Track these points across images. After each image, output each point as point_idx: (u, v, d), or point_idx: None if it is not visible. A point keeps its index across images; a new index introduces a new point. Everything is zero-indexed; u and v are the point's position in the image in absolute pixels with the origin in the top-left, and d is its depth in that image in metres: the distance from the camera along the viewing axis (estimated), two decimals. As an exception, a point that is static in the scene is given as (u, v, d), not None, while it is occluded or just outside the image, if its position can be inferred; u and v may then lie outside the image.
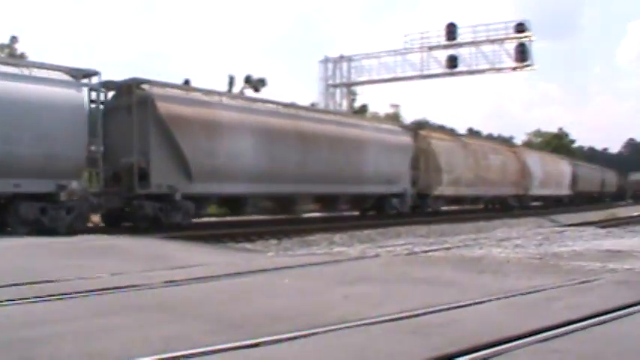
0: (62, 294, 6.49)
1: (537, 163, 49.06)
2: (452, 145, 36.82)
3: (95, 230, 17.39)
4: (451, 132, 48.40)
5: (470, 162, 37.64)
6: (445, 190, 34.43)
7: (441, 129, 48.42)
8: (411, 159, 32.11)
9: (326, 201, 28.56)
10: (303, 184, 24.76)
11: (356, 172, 27.60)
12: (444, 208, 37.42)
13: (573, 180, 59.20)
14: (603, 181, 77.68)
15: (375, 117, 35.38)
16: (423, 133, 34.92)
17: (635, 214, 44.79)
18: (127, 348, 4.39)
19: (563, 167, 58.34)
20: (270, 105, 25.48)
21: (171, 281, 7.40)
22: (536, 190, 47.84)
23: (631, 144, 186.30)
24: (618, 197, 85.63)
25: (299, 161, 24.52)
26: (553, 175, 52.79)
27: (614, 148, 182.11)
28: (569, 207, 52.01)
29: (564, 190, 56.51)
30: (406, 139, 32.31)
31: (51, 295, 6.41)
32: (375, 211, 30.78)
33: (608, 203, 69.65)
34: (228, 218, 25.90)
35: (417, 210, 32.56)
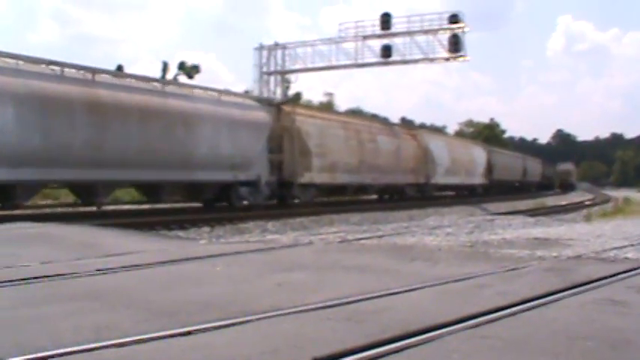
0: (-11, 282, 6.35)
1: (442, 148, 45.21)
2: (326, 124, 32.18)
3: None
4: (329, 109, 44.63)
5: (352, 145, 33.18)
6: (316, 177, 29.75)
7: (319, 108, 44.27)
8: (269, 139, 27.23)
9: (147, 190, 23.90)
10: (100, 169, 19.77)
11: (183, 154, 22.42)
12: (323, 198, 33.53)
13: (489, 168, 56.11)
14: (525, 170, 74.84)
15: (224, 90, 27.60)
16: (287, 109, 29.66)
17: (564, 202, 45.92)
18: (57, 337, 4.31)
19: (477, 154, 54.64)
20: (53, 68, 19.41)
21: (102, 269, 7.30)
22: (441, 179, 43.80)
23: (559, 135, 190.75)
24: (544, 187, 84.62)
25: (90, 140, 19.39)
26: (463, 162, 49.00)
27: (544, 138, 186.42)
28: (484, 197, 49.34)
29: (477, 179, 53.21)
30: (262, 114, 27.14)
31: (-22, 284, 6.27)
32: (225, 201, 26.18)
33: (530, 193, 67.89)
34: (156, 205, 25.46)
35: (285, 201, 28.87)
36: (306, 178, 28.96)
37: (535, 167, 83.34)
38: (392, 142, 37.86)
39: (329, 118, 34.18)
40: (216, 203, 26.05)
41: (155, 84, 23.63)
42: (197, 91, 25.25)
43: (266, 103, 29.71)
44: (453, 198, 45.56)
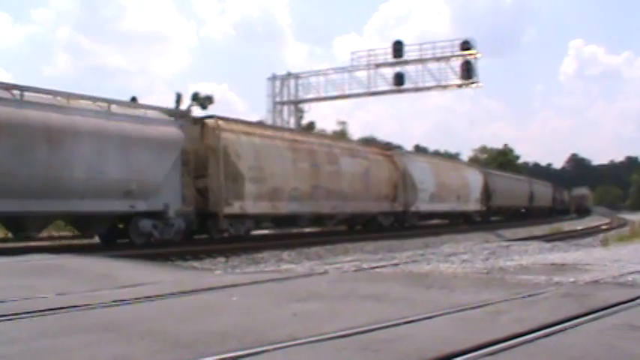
0: (7, 315, 6.35)
1: (426, 171, 39.77)
2: (266, 142, 26.41)
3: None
4: (272, 126, 36.21)
5: (303, 167, 27.74)
6: (250, 206, 24.48)
7: (259, 124, 34.14)
8: (192, 161, 22.34)
9: (10, 223, 19.60)
10: None
11: (47, 179, 17.67)
12: (263, 231, 29.54)
13: (486, 192, 50.65)
14: (532, 194, 68.81)
15: (117, 100, 21.38)
16: (210, 123, 24.02)
17: (580, 227, 45.65)
18: (73, 369, 4.31)
19: (471, 177, 48.61)
20: None
21: (118, 301, 7.31)
22: (424, 206, 38.50)
23: (574, 159, 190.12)
24: (557, 213, 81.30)
25: None
26: (453, 186, 43.39)
27: (558, 163, 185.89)
28: (481, 225, 45.23)
29: (472, 205, 47.42)
30: (171, 130, 21.67)
31: (-5, 317, 6.28)
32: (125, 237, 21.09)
33: (545, 219, 62.67)
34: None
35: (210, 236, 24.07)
36: (235, 207, 23.73)
37: (544, 192, 78.48)
38: (359, 165, 32.53)
39: (271, 135, 27.86)
40: (117, 239, 21.41)
41: (5, 91, 17.85)
42: (75, 102, 19.44)
43: (179, 115, 23.85)
44: (419, 228, 37.91)
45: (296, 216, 27.97)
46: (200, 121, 24.25)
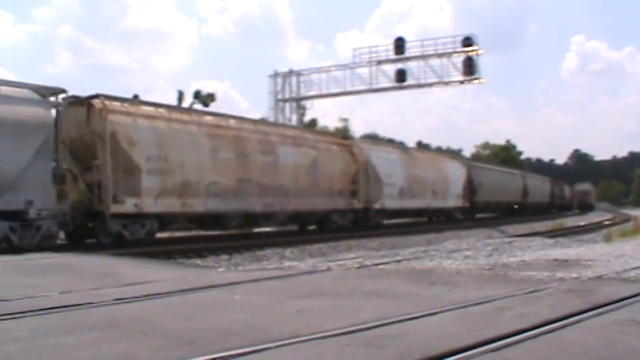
0: (11, 313, 6.36)
1: (394, 163, 35.47)
2: (174, 128, 22.05)
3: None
4: (186, 109, 29.42)
5: (226, 158, 23.55)
6: (148, 203, 20.28)
7: (167, 105, 25.38)
8: (50, 149, 17.82)
9: None
10: None
11: None
12: (166, 234, 24.31)
13: (470, 187, 46.06)
14: (526, 189, 63.57)
15: None
16: (96, 104, 19.61)
17: (582, 223, 45.63)
18: (76, 367, 4.32)
19: (452, 170, 43.82)
20: None
21: (121, 299, 7.31)
22: (392, 202, 34.23)
23: (577, 155, 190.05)
24: (556, 209, 78.85)
25: None
26: (427, 180, 38.93)
27: (561, 159, 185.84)
28: (461, 223, 40.54)
29: (452, 201, 42.93)
30: (35, 111, 17.60)
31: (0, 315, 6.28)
32: None
33: (532, 217, 56.61)
34: (179, 234, 25.61)
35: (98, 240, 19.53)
36: (127, 205, 19.60)
37: (541, 186, 73.40)
38: (304, 155, 28.05)
39: (183, 119, 23.17)
40: None
41: None
42: None
43: (52, 93, 18.70)
44: (386, 228, 33.56)
45: (218, 215, 23.72)
46: (86, 102, 19.67)
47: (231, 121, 25.65)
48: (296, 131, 31.41)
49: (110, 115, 19.37)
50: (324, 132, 39.42)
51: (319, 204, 28.70)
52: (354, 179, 31.26)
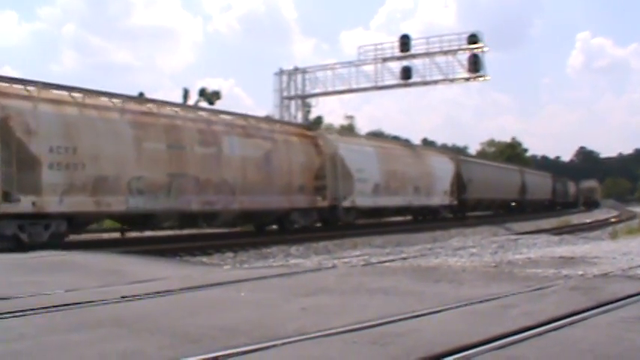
0: (16, 311, 6.38)
1: (368, 157, 32.63)
2: (85, 114, 19.26)
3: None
4: (106, 93, 21.52)
5: (154, 150, 20.68)
6: (52, 202, 17.71)
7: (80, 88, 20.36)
8: None
9: None
10: None
11: None
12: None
13: (459, 184, 43.37)
14: (524, 186, 60.55)
15: None
16: None
17: (588, 220, 45.54)
18: (83, 365, 4.33)
19: (437, 165, 40.92)
20: None
21: (127, 296, 7.32)
22: (365, 199, 31.29)
23: (582, 152, 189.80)
24: (562, 206, 77.06)
25: None
26: (408, 176, 36.13)
27: (567, 156, 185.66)
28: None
29: (437, 199, 39.90)
30: None
31: (5, 313, 6.29)
32: None
33: (531, 215, 54.67)
34: (179, 232, 25.60)
35: None
36: (23, 205, 16.96)
37: (541, 183, 70.30)
38: (256, 147, 25.23)
39: (100, 105, 20.23)
40: None
41: None
42: None
43: None
44: (357, 228, 30.54)
45: (144, 215, 21.09)
46: None
47: (165, 108, 22.86)
48: (247, 120, 27.11)
49: (2, 99, 17.09)
50: (284, 122, 33.21)
51: (274, 202, 25.94)
52: (318, 174, 28.52)
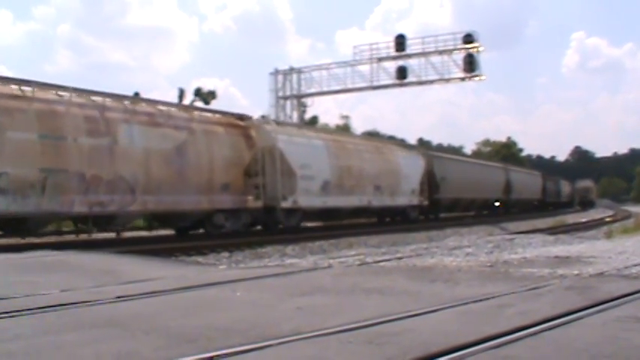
0: (11, 311, 6.36)
1: (317, 151, 29.02)
2: None
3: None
4: None
5: (18, 139, 17.78)
6: None
7: None
8: None
9: None
10: None
11: None
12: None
13: (431, 182, 39.82)
14: (509, 185, 56.69)
15: None
16: None
17: (584, 220, 45.60)
18: (78, 365, 4.32)
19: (404, 162, 37.24)
20: None
21: (122, 296, 7.31)
22: (310, 199, 27.73)
23: (578, 151, 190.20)
24: (554, 206, 74.86)
25: None
26: (367, 173, 32.54)
27: (562, 156, 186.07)
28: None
29: (404, 199, 36.40)
30: None
31: (-1, 313, 6.29)
32: None
33: (517, 215, 52.07)
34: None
35: None
36: None
37: (529, 182, 66.99)
38: (162, 138, 21.82)
39: None
40: None
41: None
42: None
43: None
44: (305, 232, 26.86)
45: (13, 218, 18.06)
46: None
47: (46, 92, 19.44)
48: (155, 107, 23.41)
49: None
50: (206, 109, 28.40)
51: (189, 203, 22.49)
52: (250, 171, 25.26)
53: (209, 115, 26.56)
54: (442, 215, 44.39)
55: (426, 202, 38.89)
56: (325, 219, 33.09)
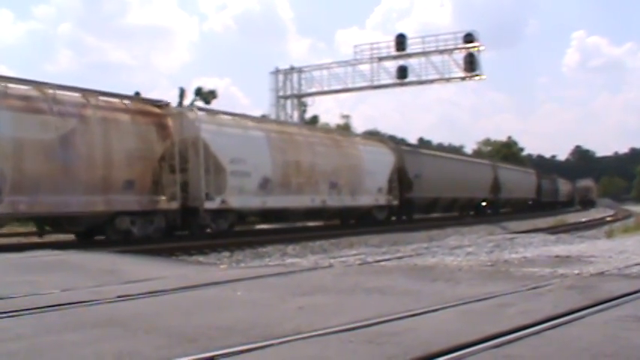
0: (12, 311, 6.36)
1: (253, 143, 25.07)
2: None
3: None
4: None
5: None
6: None
7: None
8: None
9: None
10: None
11: None
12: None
13: (402, 180, 35.62)
14: (497, 183, 52.30)
15: None
16: None
17: (584, 219, 45.59)
18: (79, 365, 4.32)
19: (367, 156, 32.72)
20: None
21: (123, 296, 7.31)
22: (243, 199, 23.89)
23: (578, 151, 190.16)
24: (551, 206, 70.84)
25: None
26: (320, 169, 28.29)
27: (562, 155, 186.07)
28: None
29: (368, 198, 32.21)
30: None
31: (1, 313, 6.28)
32: None
33: (507, 216, 48.91)
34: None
35: None
36: None
37: (522, 180, 62.66)
38: (43, 126, 18.26)
39: None
40: None
41: None
42: None
43: None
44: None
45: None
46: None
47: None
48: (40, 89, 19.02)
49: None
50: (107, 93, 21.74)
51: (77, 204, 18.87)
52: (161, 166, 21.58)
53: (114, 100, 21.44)
54: (417, 217, 40.01)
55: (395, 202, 34.80)
56: (276, 221, 29.74)
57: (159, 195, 21.22)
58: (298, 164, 27.15)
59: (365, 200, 31.86)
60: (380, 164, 33.65)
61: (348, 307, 6.49)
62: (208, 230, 23.22)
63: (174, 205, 21.42)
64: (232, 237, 22.39)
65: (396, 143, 40.70)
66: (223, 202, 22.91)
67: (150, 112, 21.88)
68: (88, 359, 4.49)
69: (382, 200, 33.49)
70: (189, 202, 22.07)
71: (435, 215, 44.12)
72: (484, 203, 51.11)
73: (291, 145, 27.44)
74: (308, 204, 27.63)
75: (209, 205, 22.32)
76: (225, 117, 26.20)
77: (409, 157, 37.73)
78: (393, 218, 35.65)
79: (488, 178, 51.14)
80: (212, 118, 24.95)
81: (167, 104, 23.32)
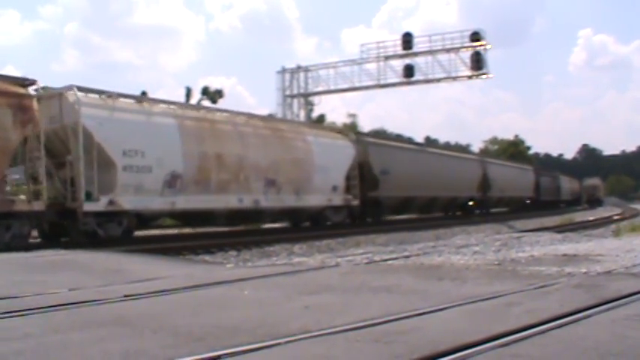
0: (20, 310, 6.38)
1: (163, 132, 20.81)
2: None
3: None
4: None
5: None
6: None
7: None
8: None
9: None
10: None
11: None
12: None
13: (366, 176, 30.74)
14: (486, 181, 47.45)
15: None
16: None
17: (591, 218, 45.46)
18: (86, 364, 4.33)
19: (317, 149, 27.54)
20: None
21: (130, 295, 7.32)
22: (144, 200, 19.85)
23: (585, 149, 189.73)
24: (552, 205, 65.85)
25: None
26: (250, 163, 23.76)
27: (569, 154, 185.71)
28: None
29: (320, 198, 27.47)
30: None
31: (8, 312, 6.30)
32: None
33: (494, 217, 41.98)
34: (182, 230, 25.60)
35: None
36: None
37: (517, 177, 57.32)
38: None
39: None
40: None
41: None
42: None
43: None
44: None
45: None
46: None
47: None
48: None
49: None
50: None
51: None
52: (25, 159, 17.70)
53: None
54: (388, 218, 35.65)
55: (355, 202, 29.73)
56: (198, 225, 25.32)
57: (17, 195, 17.71)
58: (220, 157, 22.64)
59: (314, 200, 27.20)
60: (335, 158, 28.64)
61: (355, 306, 6.49)
62: (101, 238, 18.56)
63: (39, 206, 17.17)
64: (233, 237, 22.35)
65: (358, 134, 35.65)
66: (112, 203, 18.91)
67: (5, 92, 16.91)
68: (95, 358, 4.50)
69: (338, 200, 28.65)
70: (68, 202, 18.45)
71: (405, 217, 39.42)
72: (471, 203, 46.53)
73: (212, 134, 22.83)
74: (235, 205, 23.29)
75: (90, 206, 18.31)
76: (125, 100, 20.97)
77: (374, 151, 32.63)
78: (345, 220, 29.81)
79: (475, 175, 46.46)
80: (99, 101, 19.65)
81: (33, 82, 18.06)
